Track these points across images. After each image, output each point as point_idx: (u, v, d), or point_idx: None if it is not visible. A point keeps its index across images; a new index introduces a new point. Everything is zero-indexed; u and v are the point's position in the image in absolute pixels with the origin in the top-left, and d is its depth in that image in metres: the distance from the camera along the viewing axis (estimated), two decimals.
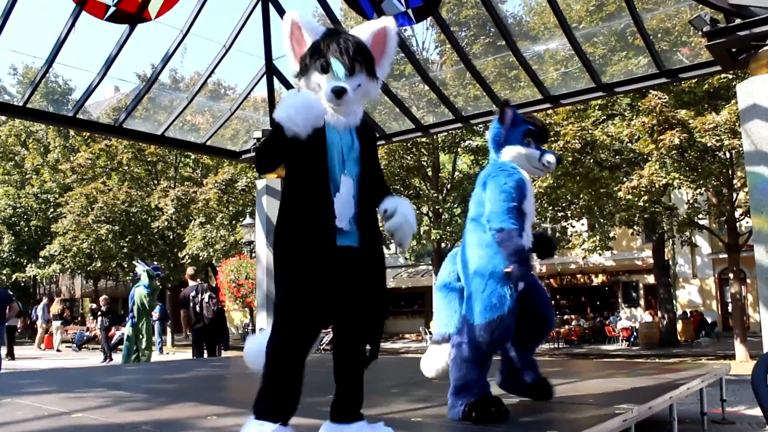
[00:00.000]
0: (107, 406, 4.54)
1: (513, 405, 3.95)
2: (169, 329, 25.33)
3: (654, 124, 14.59)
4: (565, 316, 26.06)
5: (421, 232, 20.89)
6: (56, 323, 23.29)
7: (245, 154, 11.02)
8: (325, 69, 2.71)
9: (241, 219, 21.76)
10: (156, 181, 26.94)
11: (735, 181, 16.06)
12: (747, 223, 16.95)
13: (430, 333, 23.26)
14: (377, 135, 10.33)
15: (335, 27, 2.84)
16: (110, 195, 24.93)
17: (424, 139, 17.80)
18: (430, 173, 20.11)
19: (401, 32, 9.96)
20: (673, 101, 15.09)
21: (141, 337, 11.58)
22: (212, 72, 9.95)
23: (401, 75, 18.01)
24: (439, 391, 5.18)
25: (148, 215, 25.95)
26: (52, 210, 29.24)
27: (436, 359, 3.98)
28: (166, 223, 24.80)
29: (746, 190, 11.29)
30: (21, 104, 8.83)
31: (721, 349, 18.80)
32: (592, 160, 15.63)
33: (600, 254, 20.91)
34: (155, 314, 14.72)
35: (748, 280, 23.82)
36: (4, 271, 30.30)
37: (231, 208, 24.01)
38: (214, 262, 24.76)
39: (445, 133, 17.75)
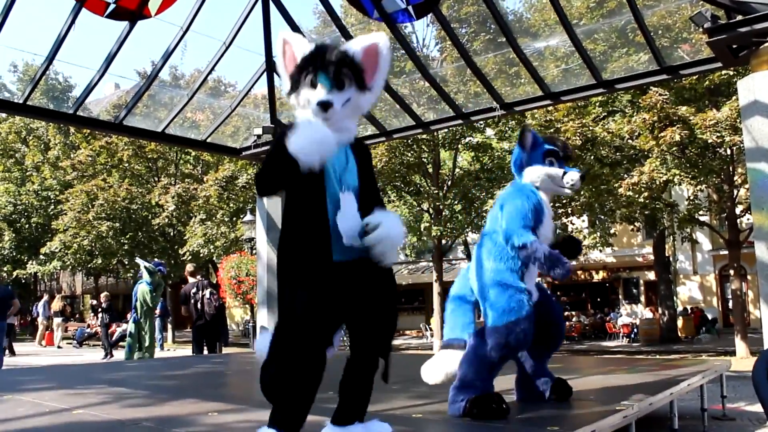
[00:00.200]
0: (108, 403, 4.55)
1: (513, 402, 3.96)
2: (170, 326, 25.36)
3: (655, 121, 14.58)
4: (566, 313, 26.07)
5: (422, 229, 20.88)
6: (57, 320, 23.33)
7: (246, 150, 11.02)
8: (314, 84, 2.70)
9: (241, 216, 21.76)
10: (156, 178, 26.93)
11: (736, 178, 16.05)
12: (747, 219, 16.95)
13: (431, 329, 23.37)
14: (378, 132, 10.35)
15: (324, 42, 2.83)
16: (111, 192, 24.91)
17: (424, 136, 17.79)
18: (430, 170, 20.09)
19: (401, 29, 9.94)
20: (674, 98, 15.08)
21: (144, 333, 11.58)
22: (212, 69, 9.95)
23: (401, 72, 17.99)
24: (439, 388, 5.18)
25: (148, 212, 25.94)
26: (52, 207, 29.24)
27: (444, 364, 3.93)
28: (166, 220, 24.80)
29: (747, 186, 11.28)
30: (21, 101, 8.83)
31: (721, 346, 18.80)
32: (592, 157, 15.62)
33: (601, 251, 20.93)
34: (156, 311, 14.69)
35: (749, 277, 23.82)
36: (5, 268, 30.32)
37: (231, 205, 24.00)
38: (214, 259, 24.75)
39: (446, 130, 17.74)
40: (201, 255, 23.83)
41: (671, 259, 25.81)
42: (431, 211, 20.08)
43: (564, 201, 17.61)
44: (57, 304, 23.73)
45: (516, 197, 3.88)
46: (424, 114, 13.25)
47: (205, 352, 10.86)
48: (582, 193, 16.14)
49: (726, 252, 18.54)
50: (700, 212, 17.87)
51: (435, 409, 4.12)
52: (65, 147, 29.30)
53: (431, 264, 23.76)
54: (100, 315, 18.54)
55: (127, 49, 8.43)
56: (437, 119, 10.34)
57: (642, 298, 28.92)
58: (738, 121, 12.22)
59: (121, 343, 16.62)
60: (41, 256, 28.08)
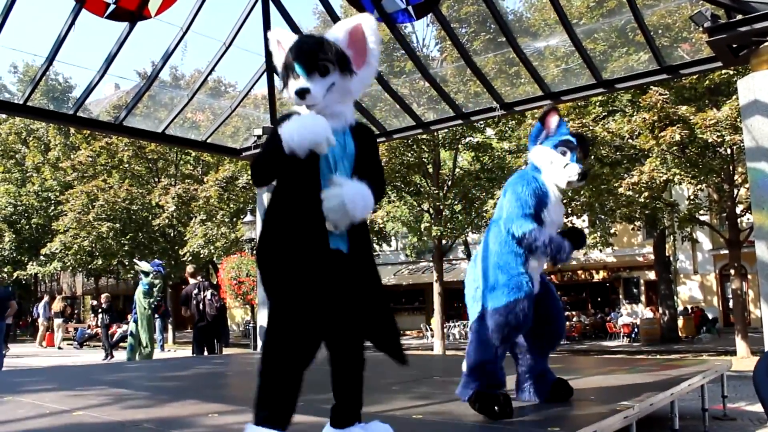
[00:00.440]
0: (108, 404, 4.55)
1: (514, 402, 3.94)
2: (170, 326, 25.36)
3: (655, 120, 14.57)
4: (566, 313, 26.07)
5: (422, 229, 20.88)
6: (57, 321, 23.32)
7: (246, 151, 11.03)
8: (295, 75, 2.71)
9: (242, 216, 21.75)
10: (157, 179, 26.94)
11: (736, 177, 16.04)
12: (748, 219, 16.94)
13: (431, 329, 23.34)
14: (377, 132, 10.34)
15: (304, 34, 2.84)
16: (111, 193, 24.91)
17: (424, 136, 17.78)
18: (430, 170, 20.08)
19: (401, 29, 9.94)
20: (674, 97, 15.07)
21: (141, 335, 11.64)
22: (212, 69, 9.95)
23: (402, 72, 18.00)
24: (440, 388, 5.19)
25: (149, 213, 25.95)
26: (52, 208, 29.23)
27: None
28: (166, 221, 24.80)
29: (747, 186, 11.28)
30: (21, 102, 8.83)
31: (722, 345, 18.80)
32: (593, 157, 15.60)
33: (601, 250, 20.92)
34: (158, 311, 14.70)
35: (749, 276, 23.82)
36: (6, 269, 30.31)
37: (232, 206, 24.00)
38: (215, 259, 24.75)
39: (446, 130, 17.73)
40: (201, 256, 23.82)
41: (671, 258, 25.81)
42: (431, 211, 20.07)
43: (564, 201, 17.59)
44: (57, 305, 23.72)
45: (517, 184, 3.90)
46: (424, 114, 13.24)
47: (206, 353, 10.87)
48: (582, 192, 16.13)
49: (726, 251, 18.53)
50: (701, 212, 17.86)
51: (435, 410, 4.12)
52: (65, 148, 29.29)
53: (431, 264, 23.74)
54: (100, 316, 18.54)
55: (127, 50, 8.44)
56: (437, 119, 10.35)
57: (642, 298, 28.91)
58: (738, 120, 12.21)
59: (122, 344, 16.63)
60: (41, 257, 28.08)
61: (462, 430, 3.58)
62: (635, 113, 15.64)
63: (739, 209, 17.03)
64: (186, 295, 10.92)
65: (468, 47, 17.17)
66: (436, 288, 20.29)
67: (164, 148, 25.22)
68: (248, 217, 18.02)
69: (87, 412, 4.14)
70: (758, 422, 5.98)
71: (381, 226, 21.81)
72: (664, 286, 21.90)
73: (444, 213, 19.89)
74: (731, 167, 15.90)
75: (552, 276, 29.73)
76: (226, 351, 11.40)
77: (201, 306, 10.71)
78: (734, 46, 6.64)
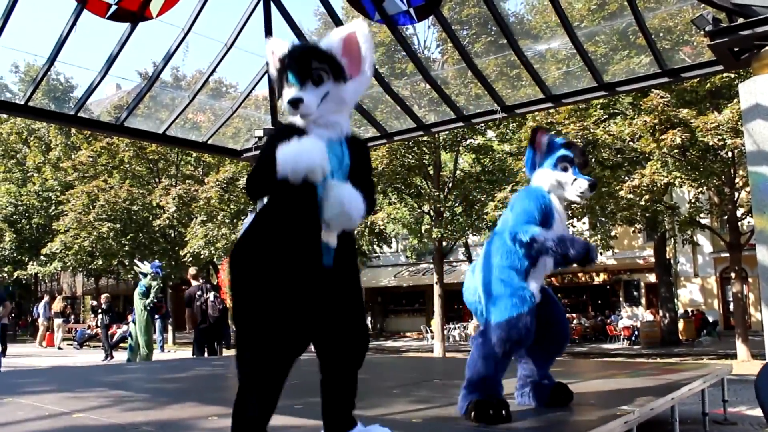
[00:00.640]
0: (108, 406, 4.54)
1: (513, 407, 3.94)
2: (170, 327, 25.35)
3: (656, 123, 14.57)
4: (566, 315, 26.01)
5: (423, 231, 20.87)
6: (58, 321, 23.32)
7: (247, 152, 11.03)
8: (289, 84, 2.68)
9: (242, 217, 21.76)
10: (157, 179, 26.96)
11: (737, 180, 16.05)
12: (749, 222, 16.94)
13: (431, 331, 23.34)
14: (379, 134, 10.34)
15: (297, 42, 2.82)
16: (111, 193, 24.94)
17: (425, 138, 17.78)
18: (431, 172, 20.09)
19: (402, 31, 9.95)
20: (675, 100, 15.07)
21: (139, 337, 11.68)
22: (213, 71, 9.95)
23: (402, 74, 18.01)
24: (440, 391, 5.19)
25: (149, 213, 25.97)
26: (53, 208, 29.25)
27: None
28: (167, 222, 24.81)
29: (748, 189, 11.28)
30: (23, 102, 8.83)
31: (722, 349, 18.79)
32: (593, 160, 15.61)
33: (601, 253, 20.90)
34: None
35: (750, 279, 23.80)
36: (6, 269, 30.34)
37: (232, 207, 24.00)
38: (215, 260, 24.74)
39: (447, 132, 17.73)
40: (202, 256, 23.81)
41: (672, 261, 25.79)
42: (432, 213, 20.08)
43: (565, 203, 17.59)
44: (58, 305, 23.72)
45: (524, 199, 3.90)
46: (425, 116, 13.24)
47: (206, 354, 10.87)
48: None
49: (727, 254, 18.52)
50: (701, 215, 17.86)
51: (436, 414, 4.11)
52: (66, 148, 29.33)
53: (432, 266, 23.73)
54: (99, 316, 18.54)
55: (128, 51, 8.43)
56: (438, 121, 10.34)
57: (643, 301, 28.90)
58: (739, 123, 12.21)
59: (122, 344, 16.63)
60: (42, 257, 28.09)
61: None
62: (636, 116, 15.64)
63: (739, 212, 17.02)
64: (189, 296, 10.93)
65: (469, 49, 17.18)
66: (437, 290, 20.29)
67: (165, 149, 25.24)
68: (249, 219, 18.02)
69: (87, 414, 4.13)
70: (759, 426, 5.97)
71: (381, 228, 21.81)
72: (664, 288, 21.89)
73: (444, 215, 19.89)
74: (732, 170, 15.90)
75: (552, 278, 29.73)
76: (226, 353, 11.39)
77: (203, 308, 10.73)
78: (736, 49, 6.62)
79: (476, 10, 18.37)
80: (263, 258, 2.66)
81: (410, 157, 19.08)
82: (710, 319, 24.05)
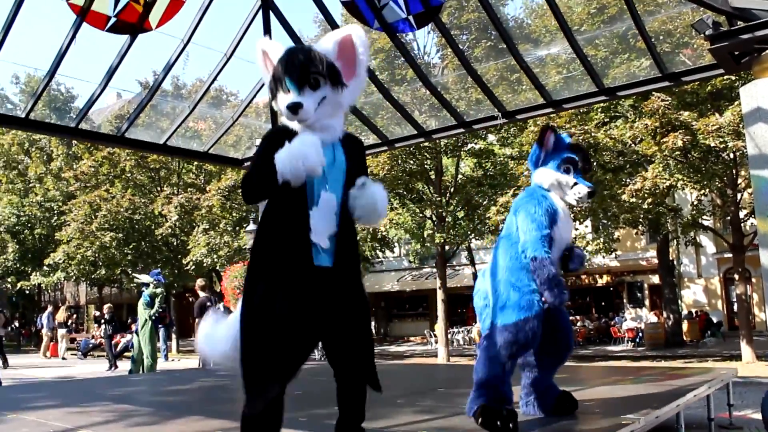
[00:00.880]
0: (112, 421, 4.53)
1: (519, 416, 3.92)
2: (174, 335, 25.34)
3: (657, 126, 14.55)
4: (570, 317, 25.94)
5: (425, 236, 20.83)
6: (61, 331, 23.31)
7: (248, 161, 11.02)
8: (285, 88, 2.68)
9: (244, 225, 21.74)
10: (159, 188, 26.98)
11: (739, 181, 16.02)
12: (752, 223, 16.89)
13: (435, 336, 23.30)
14: (380, 141, 10.32)
15: (293, 46, 2.82)
16: (113, 202, 24.95)
17: (426, 144, 17.78)
18: (433, 177, 20.08)
19: (402, 37, 9.95)
20: (676, 102, 15.04)
21: (143, 347, 11.66)
22: (213, 80, 9.96)
23: (403, 80, 18.00)
24: (445, 400, 5.17)
25: (151, 222, 25.97)
26: (55, 218, 29.27)
27: None
28: (169, 230, 24.82)
29: (750, 191, 11.24)
30: (23, 116, 8.83)
31: (727, 349, 18.75)
32: (595, 163, 15.58)
33: (604, 256, 20.87)
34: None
35: (753, 279, 23.73)
36: (9, 280, 30.34)
37: (234, 214, 24.00)
38: (218, 268, 24.74)
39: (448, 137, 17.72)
40: (204, 264, 23.82)
41: (675, 262, 25.75)
42: (434, 218, 20.06)
43: (568, 206, 17.56)
44: (61, 315, 23.72)
45: (529, 203, 3.88)
46: (426, 122, 13.24)
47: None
48: None
49: (730, 254, 18.48)
50: (704, 217, 17.83)
51: (441, 424, 4.10)
52: (68, 158, 29.36)
53: (435, 270, 23.71)
54: (103, 327, 18.52)
55: (128, 61, 8.43)
56: (439, 128, 10.33)
57: (646, 302, 28.83)
58: (740, 125, 12.19)
59: (126, 354, 16.62)
60: (45, 267, 28.09)
61: None
62: (637, 119, 15.63)
63: (742, 214, 16.99)
64: (201, 306, 10.93)
65: (469, 54, 17.19)
66: (440, 295, 20.26)
67: (166, 158, 25.26)
68: (251, 226, 18.02)
69: (90, 431, 4.13)
70: (764, 431, 5.93)
71: (384, 233, 21.79)
72: (668, 290, 21.85)
73: (447, 220, 19.88)
74: (734, 172, 15.87)
75: None
76: None
77: None
78: (736, 53, 6.60)
79: (476, 15, 18.36)
80: (261, 261, 2.70)
81: (412, 162, 19.07)
82: (714, 320, 24.00)
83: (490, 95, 9.15)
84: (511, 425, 3.55)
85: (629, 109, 16.61)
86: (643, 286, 29.18)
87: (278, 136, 2.65)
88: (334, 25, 9.53)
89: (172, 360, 20.26)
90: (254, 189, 2.68)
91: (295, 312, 2.60)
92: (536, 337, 3.69)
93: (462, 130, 9.86)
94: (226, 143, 15.96)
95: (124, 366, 15.24)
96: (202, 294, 11.16)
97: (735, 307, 23.43)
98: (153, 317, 12.00)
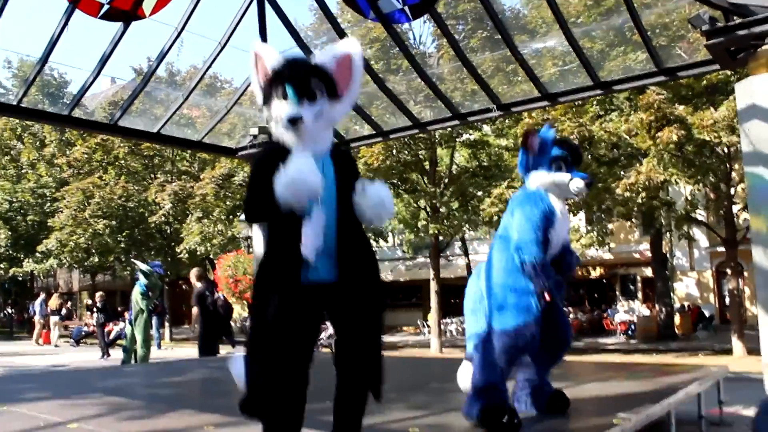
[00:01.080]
0: (103, 415, 4.52)
1: None
2: (167, 324, 25.34)
3: (652, 120, 14.54)
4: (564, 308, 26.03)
5: (419, 226, 20.82)
6: (54, 318, 23.24)
7: (242, 150, 10.97)
8: (284, 96, 2.67)
9: (238, 213, 21.72)
10: (153, 175, 26.88)
11: (734, 175, 16.05)
12: (745, 217, 16.94)
13: (428, 326, 23.36)
14: (374, 132, 10.30)
15: (296, 54, 2.84)
16: (107, 190, 24.86)
17: (421, 134, 17.74)
18: (427, 167, 20.05)
19: (397, 26, 9.88)
20: (672, 95, 15.04)
21: (136, 336, 11.62)
22: (208, 68, 9.91)
23: (398, 69, 17.93)
24: (438, 395, 5.17)
25: (145, 209, 25.90)
26: (48, 205, 29.15)
27: (469, 374, 3.97)
28: (163, 218, 24.75)
29: (743, 185, 11.27)
30: (15, 103, 8.77)
31: (718, 343, 18.85)
32: (590, 156, 15.60)
33: (597, 248, 20.94)
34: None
35: (746, 273, 23.83)
36: (2, 266, 30.22)
37: (228, 203, 23.94)
38: (211, 256, 24.72)
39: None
40: (198, 253, 23.79)
41: (668, 255, 25.83)
42: (428, 208, 20.04)
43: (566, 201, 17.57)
44: (54, 303, 23.65)
45: (525, 204, 3.87)
46: (421, 112, 13.19)
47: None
48: None
49: (723, 248, 18.54)
50: (698, 210, 17.88)
51: (433, 421, 4.10)
52: (61, 144, 29.19)
53: (428, 260, 23.74)
54: (95, 315, 18.50)
55: (122, 48, 8.36)
56: (433, 120, 10.30)
57: (639, 295, 28.93)
58: (735, 120, 12.19)
59: (118, 342, 16.60)
60: (37, 254, 28.00)
61: None
62: (633, 112, 15.62)
63: (736, 208, 17.03)
64: (200, 296, 10.93)
65: (465, 44, 17.13)
66: (433, 286, 20.29)
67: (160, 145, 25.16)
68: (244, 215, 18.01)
69: (81, 425, 4.12)
70: None
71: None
72: (660, 283, 21.94)
73: (441, 211, 19.87)
74: (728, 166, 15.90)
75: None
76: (227, 350, 11.48)
77: (212, 307, 10.80)
78: (732, 49, 6.58)
79: (472, 5, 18.27)
80: (260, 278, 2.77)
81: (406, 153, 19.04)
82: (706, 314, 24.11)
83: (486, 87, 9.11)
84: (515, 421, 3.57)
85: (624, 101, 16.60)
86: (636, 278, 29.27)
87: (270, 158, 2.65)
88: (329, 14, 9.49)
89: (165, 349, 20.25)
90: (257, 215, 2.79)
91: (286, 327, 2.63)
92: (535, 342, 3.68)
93: (457, 122, 9.84)
94: (221, 131, 15.86)
95: (117, 354, 15.23)
96: (198, 284, 11.14)
97: (727, 301, 23.55)
98: (150, 307, 11.96)
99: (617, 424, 3.71)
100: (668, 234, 21.32)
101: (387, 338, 26.62)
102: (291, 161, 2.55)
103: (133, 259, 15.46)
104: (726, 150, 15.18)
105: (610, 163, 16.37)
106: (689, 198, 17.27)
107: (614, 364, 10.87)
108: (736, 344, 15.64)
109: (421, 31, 24.90)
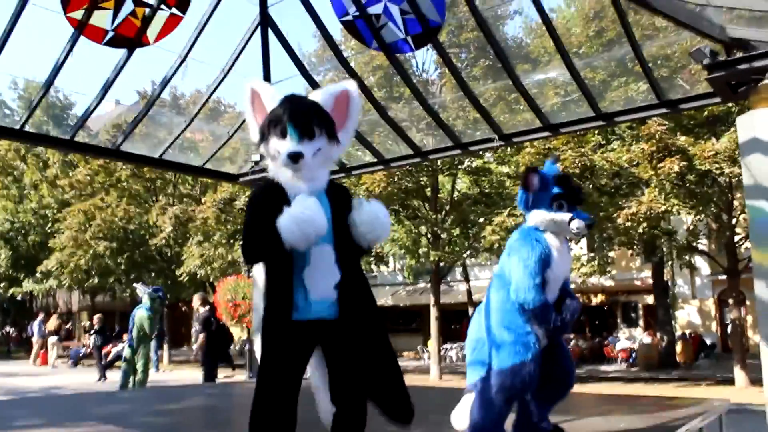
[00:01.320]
0: None
1: None
2: (165, 346, 25.20)
3: (653, 151, 14.56)
4: (564, 336, 25.88)
5: (420, 252, 20.78)
6: (52, 339, 23.15)
7: (243, 176, 10.98)
8: (283, 134, 2.68)
9: (238, 237, 21.68)
10: (154, 198, 26.91)
11: (735, 204, 16.04)
12: (747, 247, 16.89)
13: (428, 351, 23.22)
14: (375, 160, 10.30)
15: (294, 94, 2.83)
16: (108, 211, 24.89)
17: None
18: (429, 194, 20.07)
19: (400, 55, 9.94)
20: (674, 126, 15.08)
21: (137, 360, 11.52)
22: (211, 95, 9.96)
23: (401, 97, 18.01)
24: (437, 428, 5.09)
25: (146, 232, 25.90)
26: (50, 225, 29.20)
27: (467, 410, 3.90)
28: (163, 241, 24.74)
29: (745, 216, 11.26)
30: (18, 127, 8.80)
31: (720, 372, 18.71)
32: (591, 186, 15.61)
33: (598, 276, 20.88)
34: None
35: (748, 302, 23.73)
36: (1, 286, 30.19)
37: (229, 227, 23.93)
38: (211, 280, 24.66)
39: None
40: (198, 276, 23.73)
41: (670, 283, 25.74)
42: (429, 235, 20.02)
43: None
44: (53, 324, 23.57)
45: (522, 248, 3.79)
46: (423, 140, 13.19)
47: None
48: None
49: (725, 277, 18.48)
50: (699, 240, 17.85)
51: None
52: (63, 165, 29.30)
53: (429, 285, 23.67)
54: (92, 337, 18.41)
55: (126, 73, 8.40)
56: (435, 148, 10.30)
57: (640, 323, 28.80)
58: (736, 152, 12.21)
59: (117, 363, 16.48)
60: (37, 275, 27.98)
61: None
62: (634, 142, 15.66)
63: (737, 238, 17.00)
64: (205, 321, 10.93)
65: (468, 72, 17.23)
66: (433, 312, 20.20)
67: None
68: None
69: None
70: None
71: (378, 249, 21.75)
72: (662, 310, 21.84)
73: (442, 237, 19.84)
74: (730, 196, 15.89)
75: None
76: (225, 373, 11.47)
77: (216, 333, 10.84)
78: (733, 82, 6.61)
79: (475, 34, 18.39)
80: (264, 317, 2.80)
81: (408, 179, 19.06)
82: (708, 342, 23.99)
83: (487, 117, 9.12)
84: None
85: (626, 130, 16.64)
86: (637, 306, 29.16)
87: (268, 197, 2.65)
88: (332, 44, 9.54)
89: (163, 371, 20.14)
90: (256, 256, 2.78)
91: (288, 367, 2.69)
92: (533, 381, 3.63)
93: (458, 151, 9.83)
94: (223, 155, 15.88)
95: (114, 376, 15.12)
96: (203, 309, 11.15)
97: (729, 329, 23.42)
98: (153, 332, 11.90)
99: None
100: (670, 262, 21.26)
101: None
102: (296, 201, 2.55)
103: (135, 285, 15.42)
104: (728, 180, 15.18)
105: (612, 193, 16.37)
106: (691, 227, 17.23)
107: (614, 396, 10.75)
108: (739, 374, 15.52)
109: (423, 58, 25.03)
